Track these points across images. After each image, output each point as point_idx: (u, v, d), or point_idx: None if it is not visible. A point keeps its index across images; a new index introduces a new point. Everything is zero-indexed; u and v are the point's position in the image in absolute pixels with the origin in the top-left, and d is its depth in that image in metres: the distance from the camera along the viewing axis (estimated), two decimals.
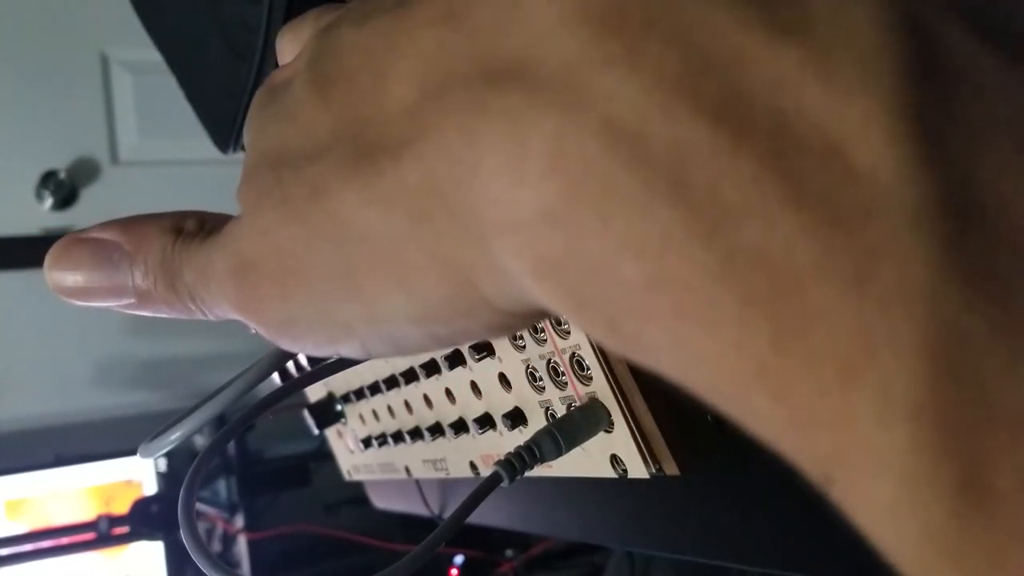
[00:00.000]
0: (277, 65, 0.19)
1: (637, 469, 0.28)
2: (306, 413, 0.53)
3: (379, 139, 0.13)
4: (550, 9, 0.11)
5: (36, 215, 1.55)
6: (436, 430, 0.40)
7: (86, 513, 1.36)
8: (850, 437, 0.09)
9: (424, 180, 0.13)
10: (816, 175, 0.10)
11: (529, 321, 0.15)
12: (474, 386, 0.35)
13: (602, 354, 0.27)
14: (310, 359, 0.43)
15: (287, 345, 0.17)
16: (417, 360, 0.38)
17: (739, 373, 0.10)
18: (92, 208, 1.58)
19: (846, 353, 0.09)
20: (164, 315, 0.19)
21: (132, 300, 0.19)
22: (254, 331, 0.19)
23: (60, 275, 0.19)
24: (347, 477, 0.60)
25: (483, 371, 0.34)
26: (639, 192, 0.10)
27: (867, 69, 0.10)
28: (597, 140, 0.11)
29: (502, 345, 0.32)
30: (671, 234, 0.10)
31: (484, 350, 0.33)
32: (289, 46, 0.19)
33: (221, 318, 0.18)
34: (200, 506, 1.41)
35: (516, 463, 0.29)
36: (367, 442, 0.50)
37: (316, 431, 0.53)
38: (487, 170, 0.12)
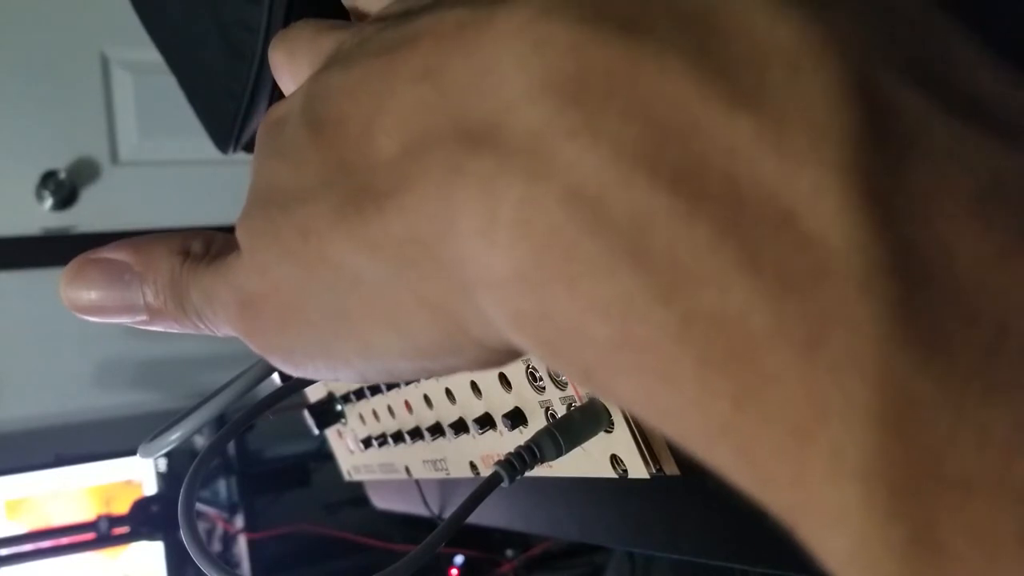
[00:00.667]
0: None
1: (637, 469, 0.28)
2: (306, 413, 0.53)
3: (364, 186, 0.14)
4: (518, 77, 0.12)
5: (36, 215, 1.55)
6: (436, 430, 0.40)
7: (86, 513, 1.36)
8: (806, 494, 0.10)
9: (407, 231, 0.13)
10: (770, 242, 0.10)
11: (516, 357, 0.15)
12: (474, 386, 0.35)
13: None
14: None
15: (289, 371, 0.18)
16: None
17: (702, 428, 0.11)
18: (92, 208, 1.58)
19: (799, 416, 0.10)
20: (175, 331, 0.20)
21: (144, 317, 0.20)
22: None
23: (75, 294, 0.20)
24: (347, 477, 0.60)
25: (483, 371, 0.34)
26: (602, 257, 0.11)
27: (818, 137, 0.10)
28: (561, 207, 0.11)
29: None
30: (633, 297, 0.11)
31: None
32: (284, 62, 0.20)
33: (227, 335, 0.19)
34: (200, 506, 1.41)
35: (516, 463, 0.29)
36: (367, 442, 0.50)
37: (316, 431, 0.53)
38: (462, 230, 0.12)
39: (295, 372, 0.18)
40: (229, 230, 0.19)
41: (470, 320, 0.14)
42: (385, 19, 0.15)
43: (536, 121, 0.11)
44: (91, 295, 0.20)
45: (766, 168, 0.10)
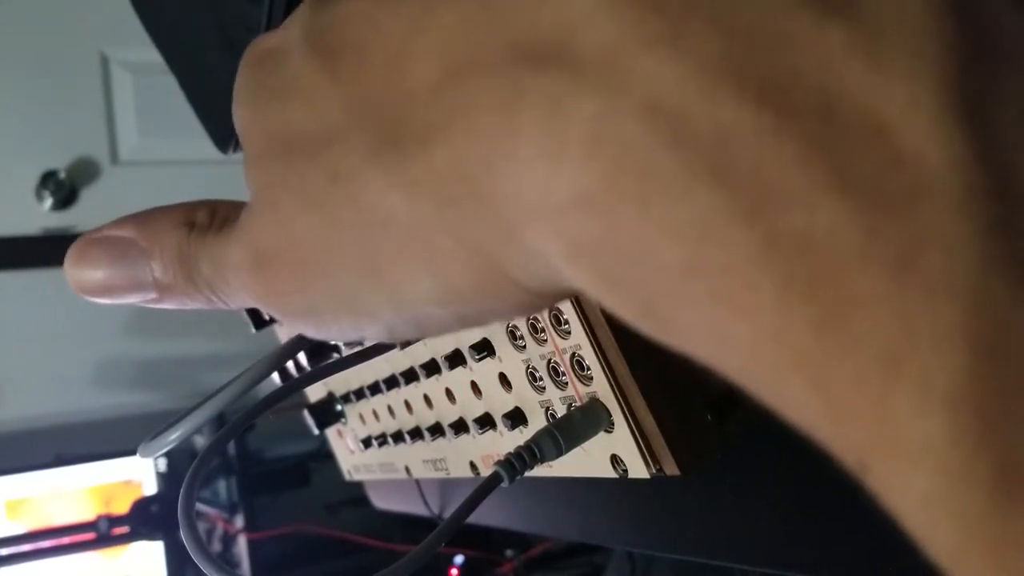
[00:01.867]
0: None
1: (637, 469, 0.28)
2: (306, 413, 0.53)
3: (400, 121, 0.13)
4: None
5: (36, 215, 1.55)
6: (436, 430, 0.39)
7: (86, 513, 1.36)
8: (886, 427, 0.09)
9: (453, 166, 0.12)
10: (861, 159, 0.09)
11: (557, 300, 0.14)
12: (474, 386, 0.35)
13: (602, 354, 0.27)
14: (310, 359, 0.43)
15: (311, 333, 0.17)
16: (417, 360, 0.38)
17: (775, 360, 0.10)
18: (92, 208, 1.58)
19: (887, 341, 0.09)
20: (187, 307, 0.19)
21: (154, 294, 0.19)
22: (254, 332, 0.19)
23: (80, 275, 0.19)
24: (347, 477, 0.60)
25: (483, 371, 0.34)
26: (680, 175, 0.10)
27: (914, 52, 0.09)
28: (638, 123, 0.10)
29: (502, 345, 0.32)
30: (712, 217, 0.10)
31: (484, 350, 0.33)
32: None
33: (242, 307, 0.18)
34: (200, 506, 1.41)
35: (516, 463, 0.29)
36: (367, 442, 0.50)
37: (316, 431, 0.53)
38: (523, 156, 0.12)
39: (317, 334, 0.17)
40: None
41: (513, 260, 0.13)
42: None
43: (611, 32, 0.11)
44: (97, 275, 0.19)
45: (859, 81, 0.10)
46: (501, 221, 0.12)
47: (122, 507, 1.36)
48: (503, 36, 0.12)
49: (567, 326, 0.28)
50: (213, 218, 0.18)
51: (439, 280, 0.14)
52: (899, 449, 0.09)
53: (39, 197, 1.55)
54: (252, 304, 0.17)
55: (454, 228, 0.13)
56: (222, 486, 1.43)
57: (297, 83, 0.15)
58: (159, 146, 1.62)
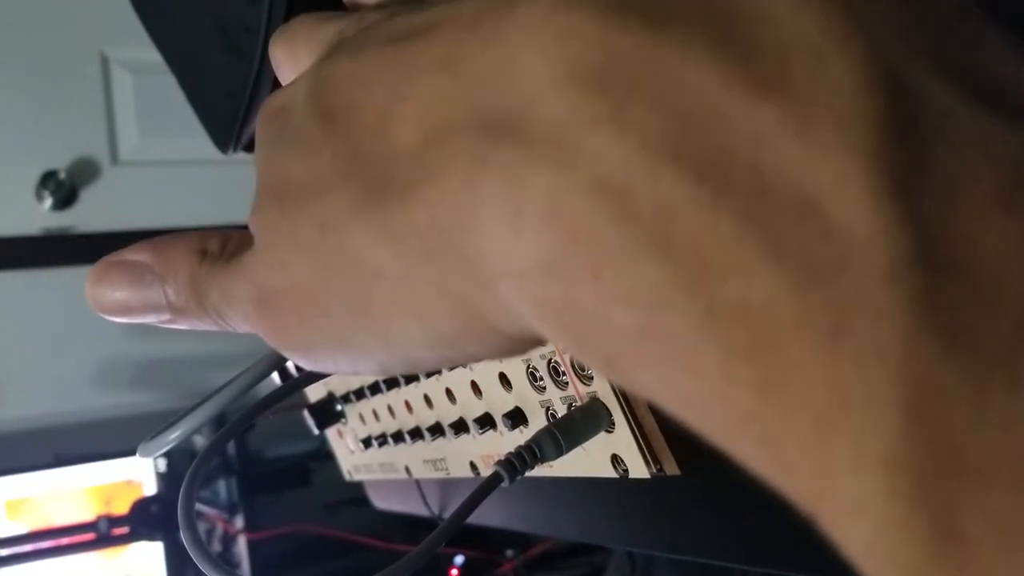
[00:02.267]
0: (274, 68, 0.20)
1: (638, 469, 0.28)
2: (306, 413, 0.53)
3: (383, 178, 0.14)
4: (543, 67, 0.12)
5: (36, 215, 1.55)
6: (436, 430, 0.39)
7: (86, 513, 1.36)
8: (828, 483, 0.10)
9: (430, 222, 0.13)
10: (794, 231, 0.10)
11: (536, 345, 0.15)
12: (474, 386, 0.35)
13: None
14: None
15: (308, 367, 0.18)
16: None
17: (726, 417, 0.11)
18: (92, 208, 1.58)
19: (822, 404, 0.10)
20: (198, 328, 0.20)
21: (168, 316, 0.20)
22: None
23: (100, 295, 0.20)
24: (347, 477, 0.60)
25: (484, 371, 0.34)
26: (627, 247, 0.11)
27: (843, 126, 0.10)
28: (587, 198, 0.11)
29: None
30: (658, 287, 0.11)
31: None
32: (284, 56, 0.19)
33: (248, 332, 0.19)
34: (200, 506, 1.41)
35: (516, 463, 0.29)
36: (367, 442, 0.50)
37: (316, 431, 0.53)
38: (486, 220, 0.12)
39: (315, 367, 0.18)
40: (233, 229, 0.19)
41: (491, 310, 0.14)
42: (390, 7, 0.15)
43: (561, 111, 0.11)
44: (115, 296, 0.20)
45: (790, 157, 0.10)
46: (477, 275, 0.13)
47: (122, 507, 1.36)
48: (470, 107, 0.13)
49: None
50: (224, 248, 0.19)
51: (426, 327, 0.15)
52: (841, 503, 0.10)
53: (39, 197, 1.55)
54: (255, 333, 0.19)
55: (436, 279, 0.14)
56: (222, 486, 1.43)
57: (296, 137, 0.16)
58: (159, 146, 1.62)
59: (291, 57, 0.19)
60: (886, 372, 0.09)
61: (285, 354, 0.18)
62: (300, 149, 0.16)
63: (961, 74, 0.10)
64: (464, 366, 0.35)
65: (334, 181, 0.15)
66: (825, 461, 0.10)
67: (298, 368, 0.46)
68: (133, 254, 0.20)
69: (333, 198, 0.15)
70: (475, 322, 0.14)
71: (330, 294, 0.16)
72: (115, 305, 0.20)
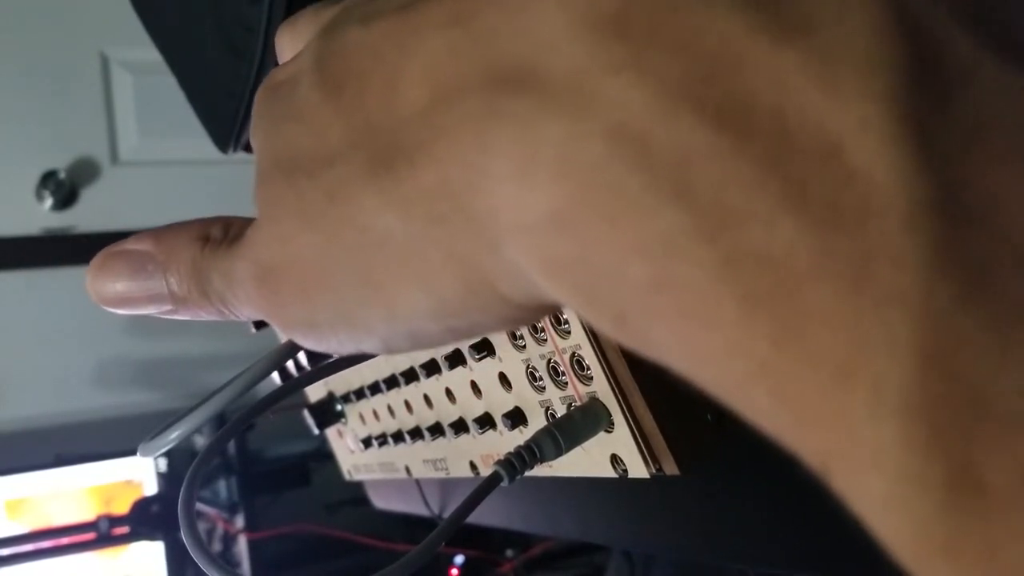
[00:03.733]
0: (277, 64, 0.20)
1: (637, 469, 0.28)
2: (306, 413, 0.53)
3: (393, 143, 0.14)
4: (558, 15, 0.11)
5: (36, 215, 1.55)
6: (436, 430, 0.40)
7: (86, 513, 1.36)
8: (845, 434, 0.10)
9: (439, 183, 0.13)
10: (815, 177, 0.10)
11: (543, 313, 0.15)
12: (474, 386, 0.35)
13: (602, 354, 0.27)
14: (310, 359, 0.43)
15: (310, 345, 0.18)
16: (417, 360, 0.38)
17: (740, 371, 0.11)
18: (92, 208, 1.58)
19: (842, 353, 0.10)
20: (201, 318, 0.20)
21: (170, 306, 0.20)
22: (254, 332, 0.19)
23: (101, 287, 0.20)
24: (347, 477, 0.60)
25: (483, 371, 0.34)
26: (644, 195, 0.11)
27: (865, 73, 0.10)
28: (604, 145, 0.11)
29: (502, 345, 0.32)
30: (675, 236, 0.11)
31: (484, 350, 0.33)
32: (289, 44, 0.19)
33: (250, 319, 0.19)
34: (200, 506, 1.41)
35: (516, 463, 0.29)
36: (367, 442, 0.50)
37: (316, 431, 0.53)
38: (498, 174, 0.12)
39: (317, 346, 0.17)
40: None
41: (498, 275, 0.13)
42: None
43: (579, 59, 0.11)
44: (116, 287, 0.20)
45: (812, 102, 0.10)
46: (485, 237, 0.13)
47: (122, 507, 1.36)
48: (481, 60, 0.12)
49: (567, 326, 0.28)
50: (226, 233, 0.19)
51: (431, 295, 0.15)
52: (857, 454, 0.10)
53: (39, 197, 1.55)
54: (258, 316, 0.18)
55: (443, 244, 0.14)
56: (222, 486, 1.43)
57: (303, 108, 0.15)
58: (159, 146, 1.62)
59: (295, 43, 0.19)
60: (906, 320, 0.09)
61: (286, 332, 0.18)
62: (308, 119, 0.15)
63: (984, 24, 0.10)
64: (464, 365, 0.35)
65: (344, 149, 0.14)
66: (841, 412, 0.10)
67: (298, 368, 0.46)
68: (135, 244, 0.20)
69: (343, 166, 0.14)
70: (481, 288, 0.14)
71: (334, 266, 0.15)
72: (116, 296, 0.20)
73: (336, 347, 0.17)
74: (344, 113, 0.14)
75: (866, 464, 0.10)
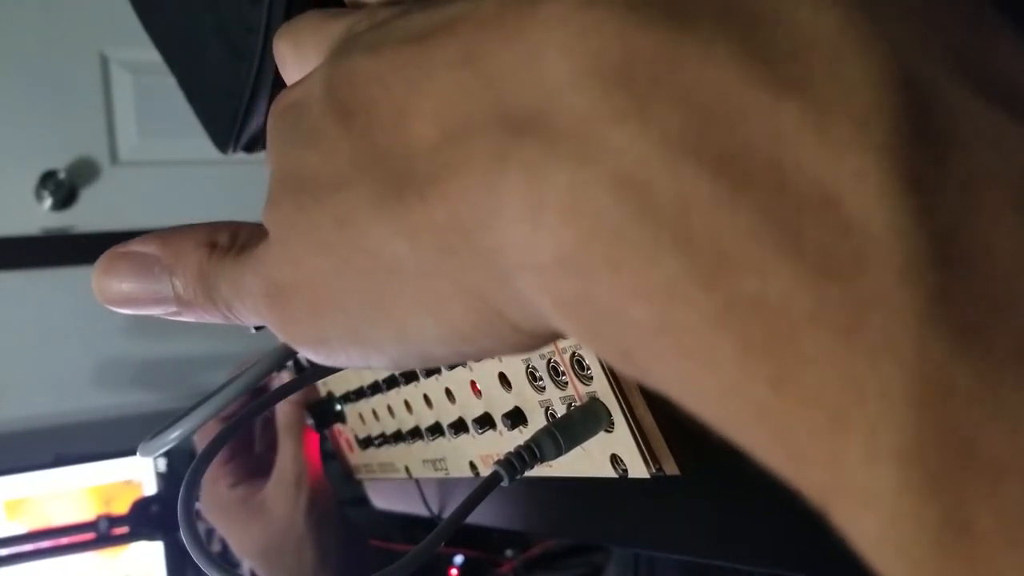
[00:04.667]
0: (276, 66, 0.20)
1: (637, 469, 0.28)
2: (306, 412, 0.53)
3: (403, 174, 0.14)
4: (565, 62, 0.12)
5: (35, 215, 1.55)
6: (436, 430, 0.39)
7: (86, 513, 1.36)
8: (840, 475, 0.10)
9: (449, 218, 0.13)
10: (812, 227, 0.10)
11: (552, 340, 0.15)
12: (474, 386, 0.35)
13: None
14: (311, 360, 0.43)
15: (320, 360, 0.18)
16: None
17: (740, 410, 0.11)
18: (92, 208, 1.58)
19: (837, 398, 0.10)
20: (204, 321, 0.20)
21: (174, 308, 0.20)
22: (254, 332, 0.20)
23: (107, 286, 0.20)
24: (350, 477, 0.60)
25: (483, 371, 0.34)
26: (646, 242, 0.11)
27: (862, 124, 0.10)
28: (607, 193, 0.11)
29: None
30: (676, 282, 0.11)
31: None
32: (291, 55, 0.19)
33: (255, 325, 0.19)
34: (200, 506, 1.41)
35: (516, 463, 0.29)
36: (367, 442, 0.50)
37: (316, 431, 0.53)
38: (506, 216, 0.12)
39: (326, 361, 0.18)
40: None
41: (508, 306, 0.14)
42: (404, 4, 0.15)
43: (584, 107, 0.11)
44: (122, 287, 0.20)
45: (810, 153, 0.10)
46: (495, 270, 0.13)
47: (122, 507, 1.35)
48: (491, 102, 0.13)
49: None
50: (234, 241, 0.19)
51: (442, 322, 0.15)
52: (853, 494, 0.10)
53: (39, 197, 1.55)
54: (264, 325, 0.19)
55: (454, 275, 0.14)
56: None
57: (311, 134, 0.16)
58: (159, 146, 1.62)
59: (297, 54, 0.19)
60: (899, 369, 0.09)
61: (296, 348, 0.18)
62: (317, 144, 0.16)
63: (978, 75, 0.11)
64: (464, 365, 0.35)
65: (353, 176, 0.15)
66: (837, 454, 0.10)
67: (298, 368, 0.46)
68: (141, 245, 0.20)
69: (351, 193, 0.15)
70: (492, 317, 0.14)
71: (345, 289, 0.16)
72: (121, 297, 0.20)
73: (345, 362, 0.17)
74: (352, 141, 0.15)
75: (861, 504, 0.10)
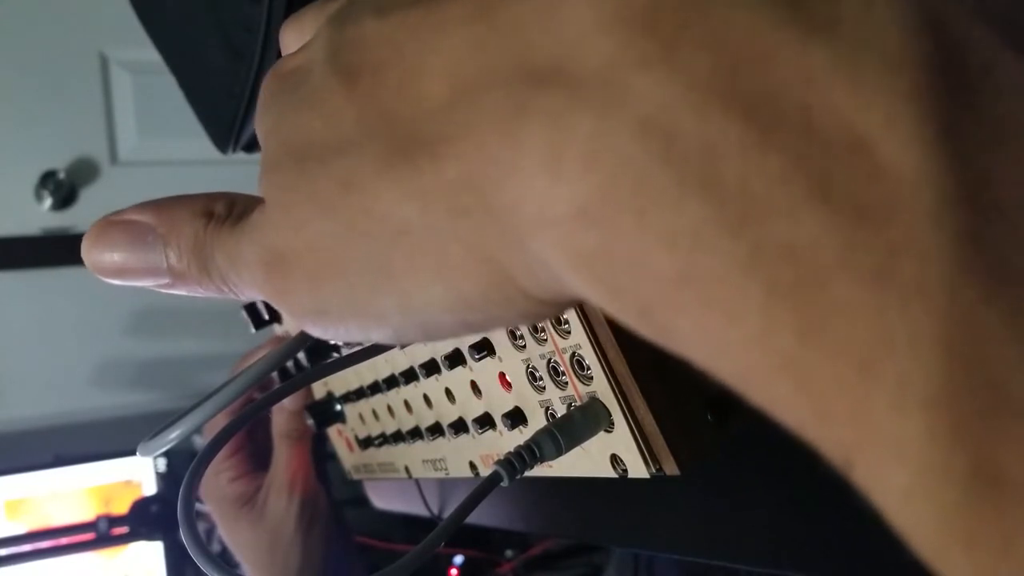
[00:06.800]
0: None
1: (637, 469, 0.28)
2: (305, 412, 0.53)
3: (412, 135, 0.13)
4: (588, 10, 0.11)
5: (35, 215, 1.55)
6: (436, 430, 0.39)
7: (86, 513, 1.36)
8: (868, 426, 0.10)
9: (462, 177, 0.13)
10: (842, 171, 0.10)
11: (563, 308, 0.15)
12: (474, 386, 0.35)
13: (602, 354, 0.27)
14: (310, 359, 0.43)
15: (317, 333, 0.17)
16: (417, 360, 0.38)
17: (763, 363, 0.11)
18: (91, 208, 1.58)
19: (866, 346, 0.10)
20: (198, 294, 0.19)
21: (168, 280, 0.19)
22: (254, 332, 0.19)
23: (98, 256, 0.20)
24: (347, 477, 0.60)
25: (483, 371, 0.34)
26: (672, 188, 0.11)
27: (892, 68, 0.10)
28: (633, 138, 0.11)
29: (502, 345, 0.32)
30: (702, 228, 0.11)
31: (484, 350, 0.33)
32: (294, 39, 0.19)
33: (252, 299, 0.19)
34: (200, 506, 1.40)
35: (516, 463, 0.29)
36: (367, 442, 0.50)
37: (316, 430, 0.53)
38: (525, 169, 0.12)
39: (323, 334, 0.17)
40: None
41: (521, 270, 0.13)
42: None
43: (608, 53, 0.11)
44: (114, 257, 0.19)
45: (840, 97, 0.10)
46: (508, 231, 0.13)
47: (122, 507, 1.35)
48: (508, 55, 0.12)
49: (567, 325, 0.28)
50: (231, 211, 0.18)
51: (449, 287, 0.14)
52: (880, 447, 0.10)
53: (39, 197, 1.55)
54: (261, 298, 0.18)
55: (464, 237, 0.14)
56: None
57: (316, 97, 0.15)
58: (159, 146, 1.62)
59: (301, 38, 0.19)
60: (930, 314, 0.09)
61: (293, 319, 0.17)
62: (321, 107, 0.15)
63: (1006, 22, 0.11)
64: (464, 365, 0.35)
65: (359, 138, 0.14)
66: (865, 404, 0.10)
67: (298, 367, 0.46)
68: (135, 214, 0.19)
69: (358, 155, 0.14)
70: (502, 282, 0.14)
71: (349, 255, 0.15)
72: (113, 267, 0.19)
73: (344, 336, 0.17)
74: (358, 102, 0.14)
75: (889, 456, 0.10)
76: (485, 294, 0.14)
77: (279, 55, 0.20)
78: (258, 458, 0.58)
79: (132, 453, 0.69)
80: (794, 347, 0.10)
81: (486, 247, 0.13)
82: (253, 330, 0.43)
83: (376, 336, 0.17)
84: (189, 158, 1.56)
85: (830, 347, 0.10)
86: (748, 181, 0.10)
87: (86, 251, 0.20)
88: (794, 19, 0.10)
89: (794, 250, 0.10)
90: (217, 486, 0.57)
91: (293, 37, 0.19)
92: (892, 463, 0.10)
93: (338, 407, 0.52)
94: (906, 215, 0.09)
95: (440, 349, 0.35)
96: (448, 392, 0.37)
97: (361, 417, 0.50)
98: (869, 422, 0.10)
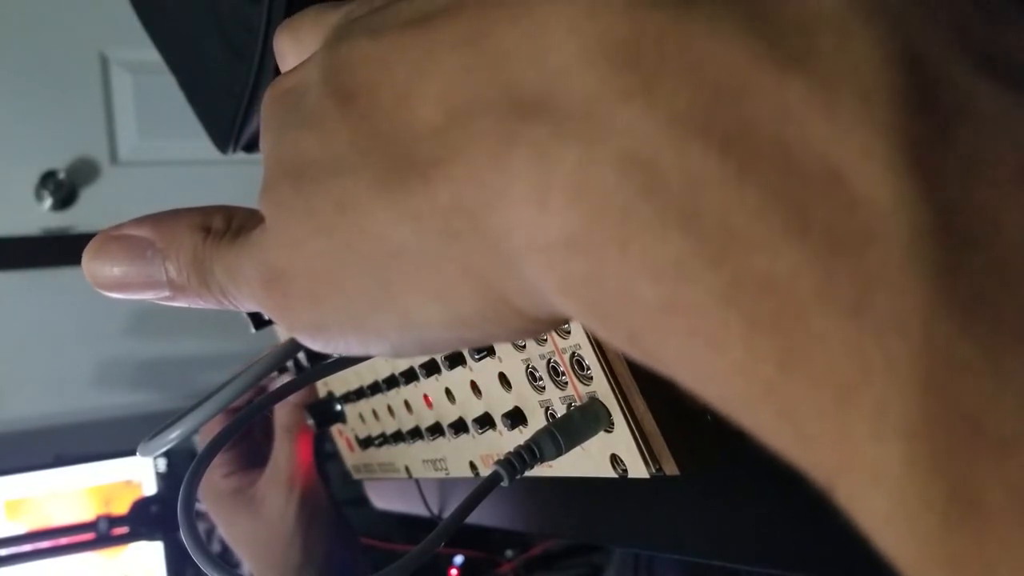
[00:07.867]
0: (276, 65, 0.20)
1: (637, 469, 0.28)
2: (306, 412, 0.53)
3: (405, 157, 0.14)
4: (571, 42, 0.12)
5: (35, 215, 1.55)
6: (436, 430, 0.39)
7: (86, 513, 1.36)
8: (848, 453, 0.10)
9: (454, 200, 0.13)
10: (818, 204, 0.10)
11: (556, 325, 0.15)
12: (474, 386, 0.35)
13: (602, 354, 0.27)
14: (311, 359, 0.43)
15: (317, 347, 0.18)
16: (417, 360, 0.38)
17: (747, 391, 0.11)
18: (92, 208, 1.58)
19: (843, 377, 0.10)
20: (198, 306, 0.20)
21: (167, 293, 0.20)
22: (254, 332, 0.19)
23: (98, 270, 0.20)
24: (350, 477, 0.60)
25: (483, 371, 0.34)
26: (654, 220, 0.11)
27: (867, 100, 0.10)
28: (616, 171, 0.11)
29: (502, 345, 0.32)
30: (684, 260, 0.11)
31: (484, 350, 0.33)
32: (291, 49, 0.19)
33: (250, 310, 0.19)
34: (200, 506, 1.40)
35: (516, 463, 0.29)
36: (367, 442, 0.50)
37: (316, 430, 0.53)
38: (514, 197, 0.12)
39: (324, 348, 0.17)
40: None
41: (514, 289, 0.14)
42: None
43: (591, 85, 0.11)
44: (114, 271, 0.20)
45: (816, 130, 0.10)
46: (500, 254, 0.13)
47: (122, 507, 1.35)
48: (496, 82, 0.12)
49: (567, 326, 0.28)
50: (228, 225, 0.19)
51: (446, 307, 0.15)
52: (860, 472, 0.10)
53: (39, 197, 1.55)
54: (260, 311, 0.18)
55: (458, 259, 0.14)
56: None
57: (312, 117, 0.16)
58: (159, 146, 1.62)
59: (296, 46, 0.19)
60: (906, 345, 0.09)
61: (293, 334, 0.18)
62: (316, 128, 0.15)
63: (983, 53, 0.11)
64: (464, 365, 0.35)
65: (353, 159, 0.14)
66: (845, 432, 0.10)
67: (298, 368, 0.46)
68: (134, 228, 0.20)
69: (352, 176, 0.14)
70: (496, 302, 0.14)
71: (346, 274, 0.15)
72: (113, 280, 0.20)
73: (343, 349, 0.17)
74: (353, 123, 0.15)
75: (869, 482, 0.10)
76: (481, 313, 0.14)
77: None
78: (252, 455, 0.58)
79: (132, 453, 0.69)
80: (775, 376, 0.10)
81: (479, 269, 0.14)
82: (253, 330, 0.43)
83: (375, 350, 0.17)
84: (189, 158, 1.56)
85: (810, 376, 0.10)
86: (727, 214, 0.10)
87: (86, 266, 0.20)
88: (771, 52, 0.10)
89: (773, 282, 0.10)
90: (211, 482, 0.57)
91: (289, 47, 0.19)
92: (871, 489, 0.10)
93: (338, 407, 0.52)
94: (882, 247, 0.10)
95: None
96: (448, 392, 0.37)
97: (361, 417, 0.50)
98: (849, 449, 0.10)
